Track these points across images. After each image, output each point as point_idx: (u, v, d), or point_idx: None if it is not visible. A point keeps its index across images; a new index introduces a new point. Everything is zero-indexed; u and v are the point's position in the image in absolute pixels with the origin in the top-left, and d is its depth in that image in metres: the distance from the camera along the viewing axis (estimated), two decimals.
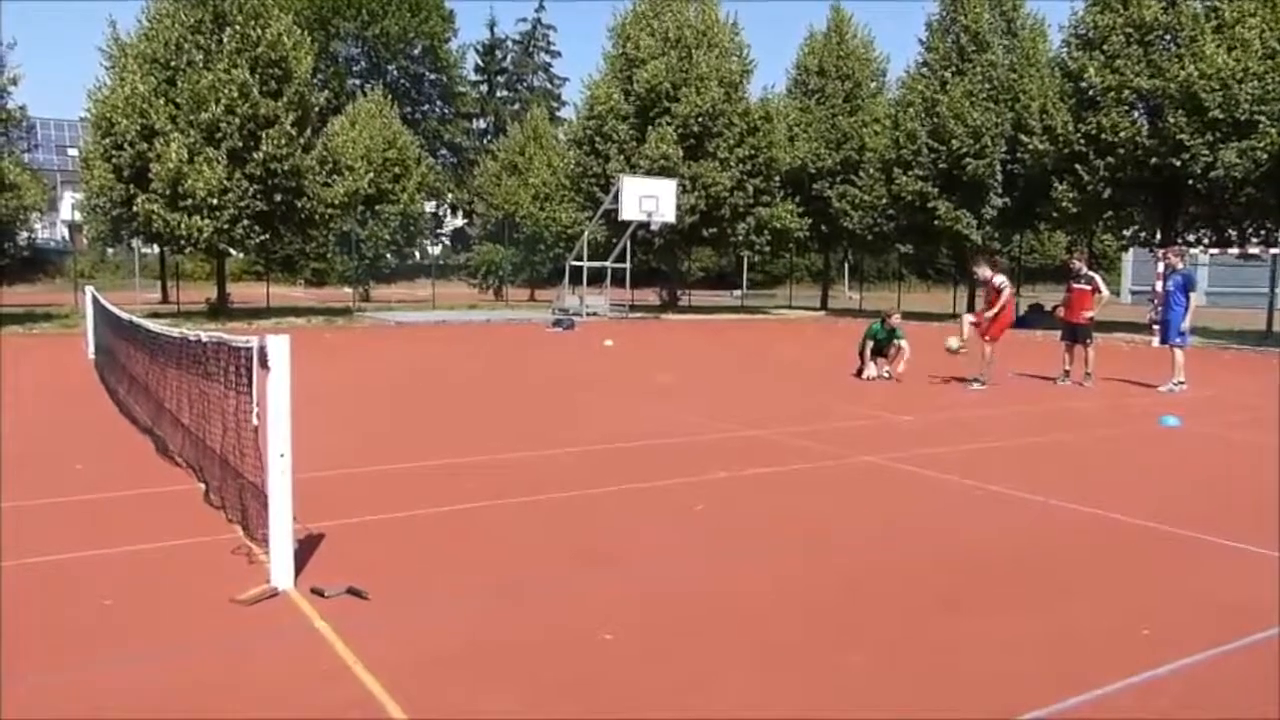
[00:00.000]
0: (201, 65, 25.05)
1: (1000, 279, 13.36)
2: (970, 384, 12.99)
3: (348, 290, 38.42)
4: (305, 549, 4.96)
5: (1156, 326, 17.24)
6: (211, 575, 4.67)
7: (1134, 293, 51.01)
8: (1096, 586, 4.82)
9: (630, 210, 29.69)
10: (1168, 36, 25.16)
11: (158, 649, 3.85)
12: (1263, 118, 23.00)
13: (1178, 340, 12.98)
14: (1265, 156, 22.91)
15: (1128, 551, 5.49)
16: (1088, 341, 13.59)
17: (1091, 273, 13.88)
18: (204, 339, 5.88)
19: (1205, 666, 3.83)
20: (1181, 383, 12.81)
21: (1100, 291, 13.69)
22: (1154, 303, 13.85)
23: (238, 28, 25.34)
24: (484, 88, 75.34)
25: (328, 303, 34.67)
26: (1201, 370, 14.73)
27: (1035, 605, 4.54)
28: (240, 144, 25.09)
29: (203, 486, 6.17)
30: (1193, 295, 13.04)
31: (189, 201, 24.65)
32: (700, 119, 32.47)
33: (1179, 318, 12.94)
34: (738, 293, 48.91)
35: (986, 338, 13.08)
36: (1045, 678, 3.67)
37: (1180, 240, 25.83)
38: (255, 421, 4.65)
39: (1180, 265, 13.55)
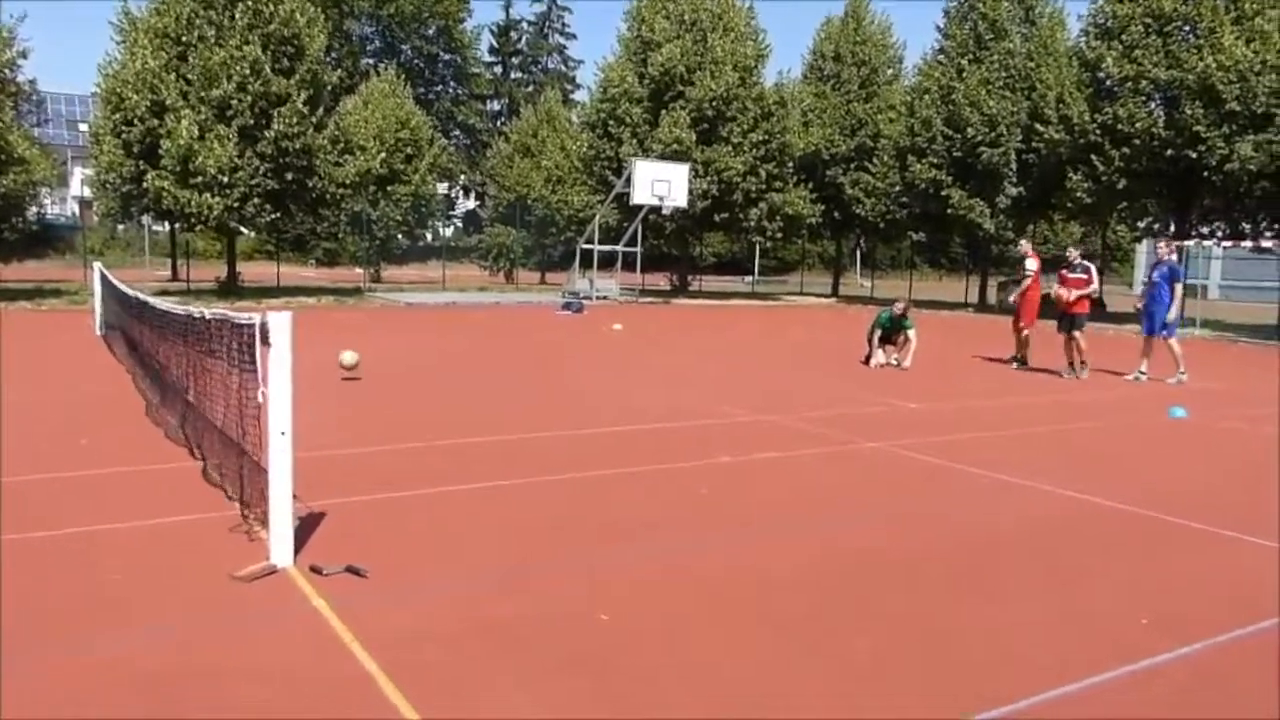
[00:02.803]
0: (213, 41, 24.93)
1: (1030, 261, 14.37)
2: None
3: (359, 270, 38.45)
4: (305, 527, 4.96)
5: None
6: (211, 552, 4.67)
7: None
8: (1100, 574, 4.79)
9: (642, 194, 29.61)
10: (1186, 27, 24.93)
11: (156, 624, 3.86)
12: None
13: (1164, 333, 12.90)
14: None
15: (1131, 540, 5.45)
16: (1078, 331, 13.41)
17: (1087, 263, 13.83)
18: (208, 315, 5.86)
19: (1206, 654, 3.82)
20: (1183, 374, 12.81)
21: (1093, 283, 13.78)
22: (1143, 292, 13.86)
23: (250, 4, 25.19)
24: (498, 69, 75.10)
25: (338, 283, 34.70)
26: (1211, 363, 14.64)
27: (1039, 591, 4.52)
28: (251, 122, 25.03)
29: (202, 463, 6.17)
30: (1178, 286, 12.96)
31: (199, 179, 24.61)
32: (714, 103, 32.28)
33: (1163, 310, 12.85)
34: (749, 278, 48.82)
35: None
36: (1046, 662, 3.66)
37: (1194, 233, 25.64)
38: (260, 399, 4.63)
39: (1168, 256, 13.37)
